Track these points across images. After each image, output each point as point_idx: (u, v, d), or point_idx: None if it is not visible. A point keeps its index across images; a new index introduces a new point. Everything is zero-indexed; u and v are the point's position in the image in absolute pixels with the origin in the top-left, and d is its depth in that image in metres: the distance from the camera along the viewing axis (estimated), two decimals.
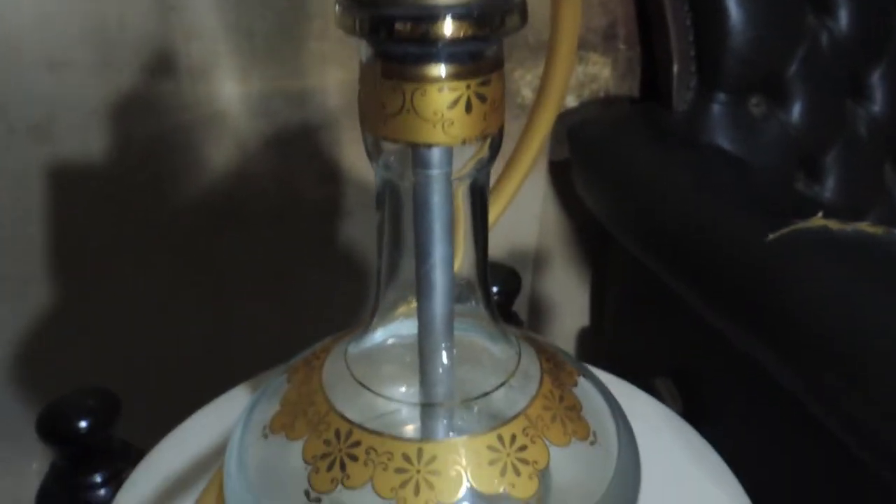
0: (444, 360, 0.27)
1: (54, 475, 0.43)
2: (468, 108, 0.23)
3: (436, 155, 0.24)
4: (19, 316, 0.65)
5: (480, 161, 0.26)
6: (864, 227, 0.44)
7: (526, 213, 0.81)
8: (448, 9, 0.23)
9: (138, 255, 0.66)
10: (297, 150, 0.69)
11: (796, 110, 0.74)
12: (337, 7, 0.27)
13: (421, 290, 0.27)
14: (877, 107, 0.77)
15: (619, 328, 0.80)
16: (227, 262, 0.69)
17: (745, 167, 0.62)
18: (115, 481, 0.39)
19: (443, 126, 0.23)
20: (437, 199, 0.25)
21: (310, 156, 0.69)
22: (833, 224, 0.44)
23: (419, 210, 0.25)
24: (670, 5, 0.69)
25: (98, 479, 0.42)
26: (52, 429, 0.41)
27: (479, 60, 0.24)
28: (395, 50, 0.24)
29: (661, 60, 0.73)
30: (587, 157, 0.72)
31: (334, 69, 0.67)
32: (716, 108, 0.72)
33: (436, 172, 0.25)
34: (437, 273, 0.26)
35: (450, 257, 0.26)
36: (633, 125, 0.71)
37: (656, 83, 0.75)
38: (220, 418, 0.40)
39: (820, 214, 0.45)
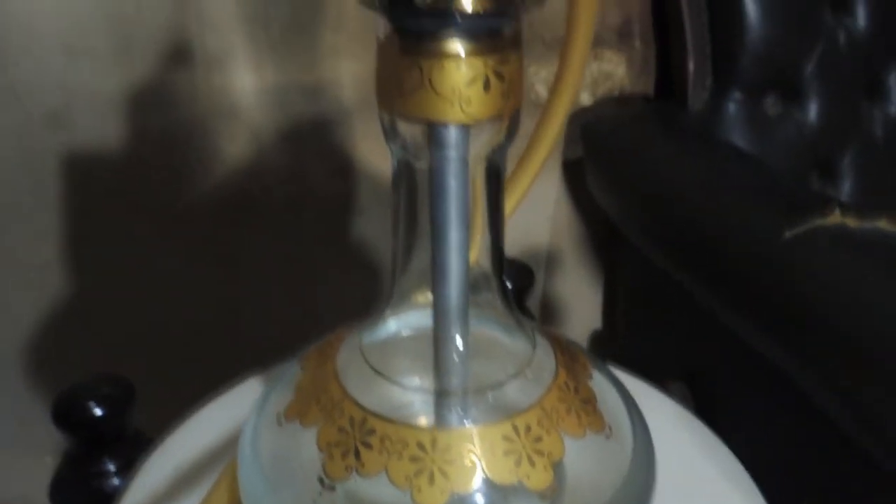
0: (459, 348, 0.27)
1: (67, 463, 0.43)
2: (486, 85, 0.23)
3: (453, 135, 0.24)
4: (34, 304, 0.65)
5: (497, 143, 0.25)
6: (883, 224, 0.43)
7: (539, 211, 0.80)
8: None
9: (152, 244, 0.66)
10: (310, 143, 0.68)
11: (812, 110, 0.73)
12: None
13: (436, 275, 0.26)
14: (894, 108, 0.77)
15: (631, 329, 0.80)
16: (240, 252, 0.69)
17: (761, 164, 0.61)
18: (128, 470, 0.39)
19: (460, 104, 0.23)
20: (453, 182, 0.25)
21: (323, 149, 0.69)
22: (851, 221, 0.43)
23: (435, 193, 0.25)
24: (687, 3, 0.69)
25: (111, 467, 0.42)
26: (67, 414, 0.41)
27: (497, 38, 0.24)
28: (414, 24, 0.24)
29: (677, 58, 0.72)
30: (601, 156, 0.71)
31: (349, 62, 0.67)
32: (731, 107, 0.71)
33: (452, 153, 0.24)
34: (453, 258, 0.26)
35: (465, 242, 0.26)
36: (647, 123, 0.71)
37: (671, 81, 0.74)
38: (233, 408, 0.39)
39: (838, 212, 0.45)
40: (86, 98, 0.60)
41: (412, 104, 0.23)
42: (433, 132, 0.24)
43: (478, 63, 0.23)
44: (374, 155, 0.71)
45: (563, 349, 0.30)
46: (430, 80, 0.22)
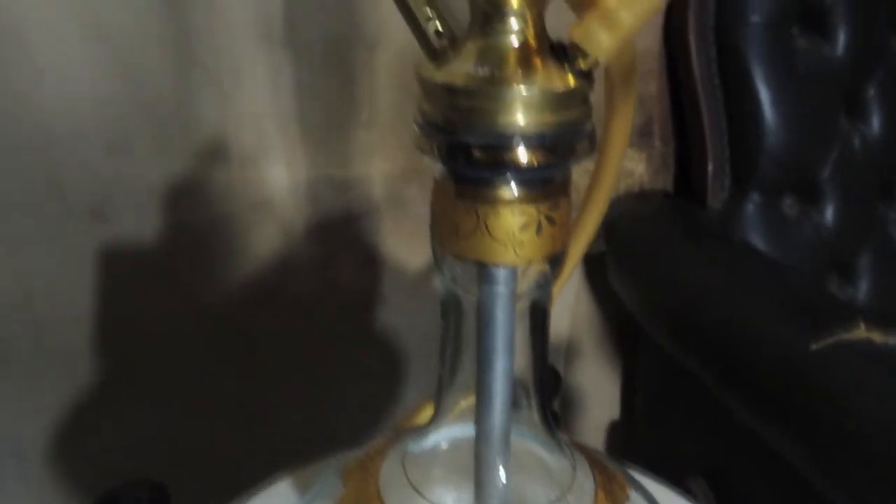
0: (501, 473, 0.28)
1: None
2: (539, 230, 0.24)
3: (502, 273, 0.25)
4: (63, 394, 0.65)
5: (543, 276, 0.27)
6: None
7: (559, 303, 0.81)
8: (522, 137, 0.25)
9: (184, 337, 0.67)
10: (338, 236, 0.70)
11: (829, 212, 0.75)
12: (414, 128, 0.28)
13: (480, 401, 0.27)
14: None
15: (650, 424, 0.80)
16: (268, 343, 0.70)
17: (781, 269, 0.62)
18: None
19: (514, 247, 0.24)
20: (500, 315, 0.26)
21: (350, 242, 0.71)
22: (876, 336, 0.44)
23: (483, 324, 0.26)
24: (706, 106, 0.71)
25: None
26: None
27: (549, 185, 0.25)
28: (471, 173, 0.26)
29: (696, 159, 0.74)
30: (622, 251, 0.73)
31: (379, 160, 0.69)
32: (749, 207, 0.73)
33: (502, 290, 0.26)
34: (498, 385, 0.27)
35: (510, 370, 0.27)
36: (668, 221, 0.73)
37: (690, 179, 0.76)
38: None
39: (862, 326, 0.46)
40: (126, 192, 0.62)
41: (468, 246, 0.24)
42: (484, 271, 0.25)
43: (531, 210, 0.25)
44: (399, 249, 0.72)
45: (601, 469, 0.31)
46: (485, 225, 0.24)
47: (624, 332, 0.84)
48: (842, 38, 0.71)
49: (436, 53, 0.27)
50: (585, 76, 0.27)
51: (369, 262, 0.72)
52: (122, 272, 0.64)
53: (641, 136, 0.78)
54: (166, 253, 0.65)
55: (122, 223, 0.63)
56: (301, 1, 0.62)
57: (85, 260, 0.63)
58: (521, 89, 0.25)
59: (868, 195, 0.76)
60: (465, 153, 0.25)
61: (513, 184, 0.24)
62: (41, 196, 0.60)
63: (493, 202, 0.24)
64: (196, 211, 0.65)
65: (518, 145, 0.24)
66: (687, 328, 0.61)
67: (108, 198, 0.62)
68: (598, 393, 0.87)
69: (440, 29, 0.27)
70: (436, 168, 0.27)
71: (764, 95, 0.69)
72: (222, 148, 0.64)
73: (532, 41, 0.26)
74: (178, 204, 0.64)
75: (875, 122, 0.75)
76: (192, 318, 0.67)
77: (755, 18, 0.67)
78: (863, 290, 0.77)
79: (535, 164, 0.24)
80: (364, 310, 0.72)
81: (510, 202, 0.24)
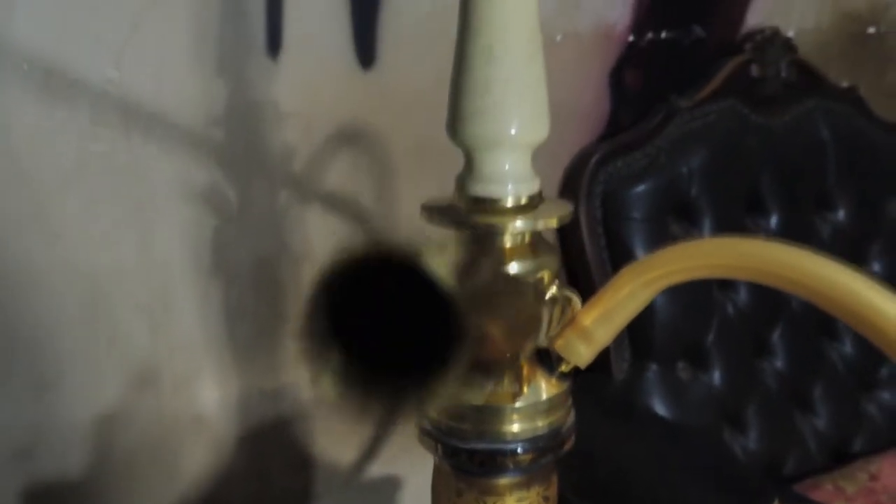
0: None
1: None
2: None
3: None
4: None
5: None
6: None
7: None
8: (520, 442, 0.29)
9: None
10: (270, 443, 0.71)
11: (717, 372, 0.83)
12: (417, 431, 0.32)
13: None
14: (780, 362, 0.88)
15: None
16: None
17: (697, 441, 0.69)
18: None
19: None
20: None
21: (282, 448, 0.72)
22: None
23: None
24: (601, 284, 0.79)
25: None
26: None
27: (543, 469, 0.30)
28: (474, 471, 0.30)
29: None
30: None
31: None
32: (649, 375, 0.80)
33: None
34: None
35: None
36: (580, 395, 0.78)
37: None
38: None
39: (776, 502, 0.52)
40: (54, 429, 0.61)
41: None
42: None
43: (529, 494, 0.29)
44: (331, 448, 0.74)
45: None
46: None
47: None
48: (707, 223, 0.81)
49: None
50: (566, 376, 0.32)
51: (302, 464, 0.73)
52: None
53: None
54: (95, 487, 0.63)
55: (51, 461, 0.61)
56: (229, 226, 0.65)
57: (7, 501, 0.60)
58: (516, 403, 0.30)
59: (746, 353, 0.86)
60: (468, 454, 0.29)
61: (511, 475, 0.29)
62: None
63: (492, 491, 0.28)
64: (128, 436, 0.64)
65: (516, 449, 0.29)
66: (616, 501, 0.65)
67: (35, 440, 0.60)
68: None
69: None
70: (435, 459, 0.31)
71: None
72: (153, 375, 0.64)
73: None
74: (109, 432, 0.63)
75: (742, 291, 0.86)
76: None
77: (636, 215, 0.77)
78: (752, 438, 0.85)
79: (530, 460, 0.29)
80: None
81: (509, 486, 0.28)
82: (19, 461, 0.60)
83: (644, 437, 0.70)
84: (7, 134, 0.55)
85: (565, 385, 0.31)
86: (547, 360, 0.31)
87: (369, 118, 0.67)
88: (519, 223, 0.28)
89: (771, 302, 0.87)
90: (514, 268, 0.29)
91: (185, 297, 0.64)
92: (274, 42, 0.62)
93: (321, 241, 0.69)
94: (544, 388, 0.30)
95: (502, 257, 0.29)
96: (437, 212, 0.29)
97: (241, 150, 0.63)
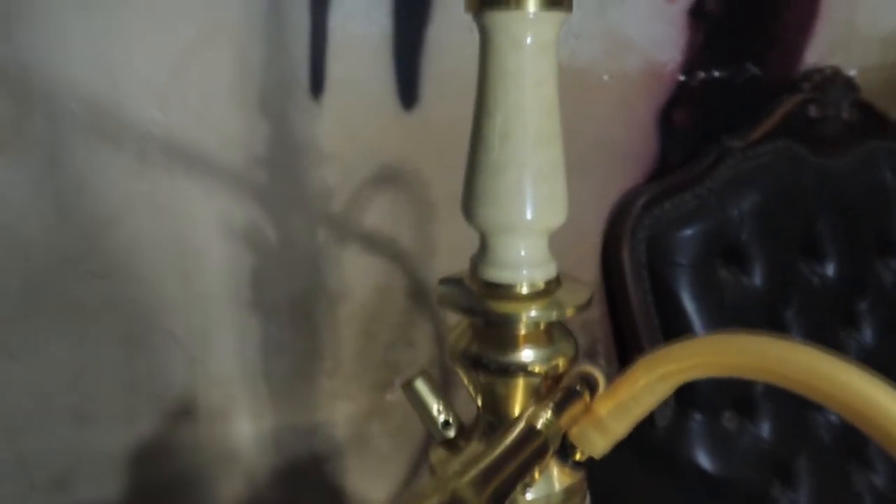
0: None
1: None
2: None
3: None
4: None
5: None
6: None
7: None
8: None
9: None
10: (303, 480, 0.71)
11: (766, 423, 0.80)
12: None
13: None
14: (833, 414, 0.85)
15: None
16: None
17: (736, 494, 0.66)
18: None
19: None
20: None
21: (315, 485, 0.71)
22: None
23: None
24: (645, 334, 0.77)
25: None
26: None
27: None
28: None
29: None
30: None
31: (343, 403, 0.71)
32: (693, 425, 0.77)
33: None
34: None
35: None
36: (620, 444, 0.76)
37: None
38: None
39: None
40: (92, 461, 0.62)
41: None
42: None
43: None
44: (365, 486, 0.73)
45: None
46: None
47: None
48: (757, 268, 0.78)
49: (446, 442, 0.31)
50: (581, 465, 0.30)
51: (333, 501, 0.73)
52: None
53: (587, 356, 0.83)
54: None
55: (84, 491, 0.62)
56: (268, 263, 0.65)
57: None
58: (528, 495, 0.29)
59: (798, 403, 0.82)
60: None
61: None
62: (3, 471, 0.60)
63: None
64: (161, 470, 0.65)
65: None
66: None
67: (72, 468, 0.61)
68: None
69: (449, 420, 0.31)
70: None
71: (697, 324, 0.75)
72: (190, 408, 0.65)
73: None
74: (143, 465, 0.64)
75: (794, 338, 0.82)
76: None
77: (682, 260, 0.75)
78: (803, 493, 0.81)
79: None
80: None
81: None
82: (56, 491, 0.61)
83: (685, 493, 0.68)
84: (54, 173, 0.56)
85: (580, 474, 0.30)
86: (561, 448, 0.30)
87: (410, 159, 0.67)
88: (534, 312, 0.27)
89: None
90: (527, 355, 0.28)
91: (223, 332, 0.65)
92: (317, 83, 0.62)
93: (358, 280, 0.68)
94: (557, 477, 0.29)
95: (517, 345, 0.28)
96: (450, 295, 0.28)
97: (281, 190, 0.64)
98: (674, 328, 0.76)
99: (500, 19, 0.25)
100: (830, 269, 0.83)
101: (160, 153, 0.59)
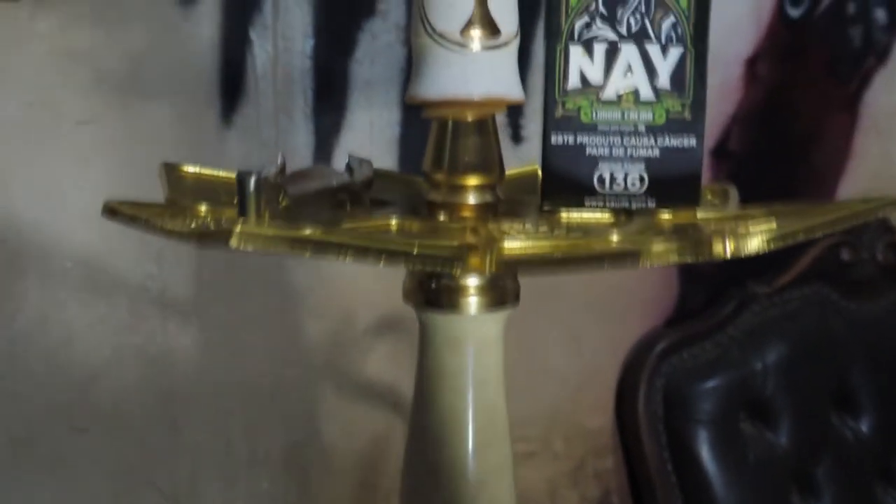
0: None
1: None
2: None
3: None
4: None
5: None
6: None
7: None
8: None
9: None
10: None
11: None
12: None
13: None
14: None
15: None
16: None
17: None
18: None
19: None
20: None
21: None
22: None
23: None
24: (661, 491, 0.72)
25: None
26: None
27: None
28: None
29: None
30: None
31: None
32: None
33: None
34: None
35: None
36: None
37: None
38: None
39: None
40: None
41: None
42: None
43: None
44: None
45: None
46: None
47: None
48: (785, 424, 0.74)
49: None
50: None
51: None
52: None
53: None
54: None
55: None
56: (261, 415, 0.63)
57: None
58: None
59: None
60: None
61: None
62: None
63: None
64: None
65: None
66: None
67: None
68: None
69: None
70: None
71: (717, 484, 0.71)
72: None
73: None
74: None
75: (825, 495, 0.77)
76: None
77: (701, 416, 0.71)
78: None
79: None
80: None
81: None
82: None
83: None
84: (44, 330, 0.55)
85: None
86: None
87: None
88: None
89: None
90: None
91: (212, 483, 0.63)
92: None
93: (353, 430, 0.66)
94: None
95: None
96: None
97: (276, 342, 0.62)
98: (693, 488, 0.72)
99: (438, 321, 0.22)
100: (865, 424, 0.78)
101: (154, 306, 0.58)
